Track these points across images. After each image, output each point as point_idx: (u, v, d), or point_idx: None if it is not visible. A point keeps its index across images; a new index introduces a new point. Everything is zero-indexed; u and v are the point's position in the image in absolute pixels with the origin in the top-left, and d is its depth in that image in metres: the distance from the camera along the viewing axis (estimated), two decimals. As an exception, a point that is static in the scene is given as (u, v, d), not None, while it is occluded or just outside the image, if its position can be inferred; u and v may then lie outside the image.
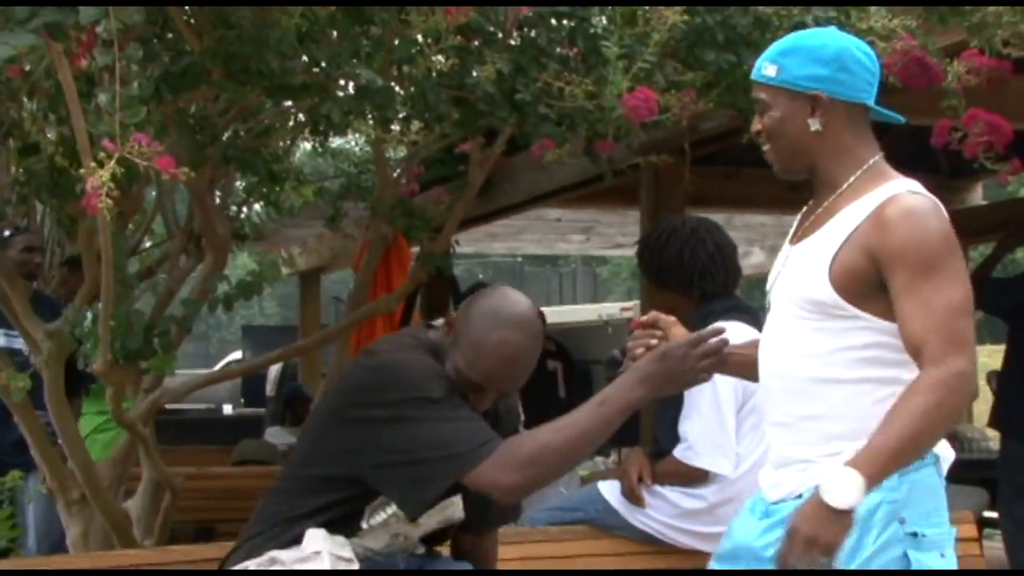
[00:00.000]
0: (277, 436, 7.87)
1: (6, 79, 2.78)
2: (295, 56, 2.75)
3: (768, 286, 2.55)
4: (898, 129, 5.58)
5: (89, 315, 3.08)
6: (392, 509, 2.64)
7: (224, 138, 3.46)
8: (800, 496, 2.33)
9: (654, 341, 2.58)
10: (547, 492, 5.32)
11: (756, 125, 2.46)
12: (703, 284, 3.53)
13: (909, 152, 7.62)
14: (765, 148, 2.45)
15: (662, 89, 3.14)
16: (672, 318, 2.65)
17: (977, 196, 8.52)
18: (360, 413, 2.53)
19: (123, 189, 2.13)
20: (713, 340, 2.49)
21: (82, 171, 2.12)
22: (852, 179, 2.39)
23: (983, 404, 7.69)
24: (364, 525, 2.63)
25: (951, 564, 2.34)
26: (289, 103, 3.38)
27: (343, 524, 2.60)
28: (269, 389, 11.22)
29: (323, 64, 2.83)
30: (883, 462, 2.19)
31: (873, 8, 3.30)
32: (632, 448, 3.90)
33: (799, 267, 2.41)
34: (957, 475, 7.66)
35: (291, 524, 2.58)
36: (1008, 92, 4.58)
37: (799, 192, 8.09)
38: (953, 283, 2.26)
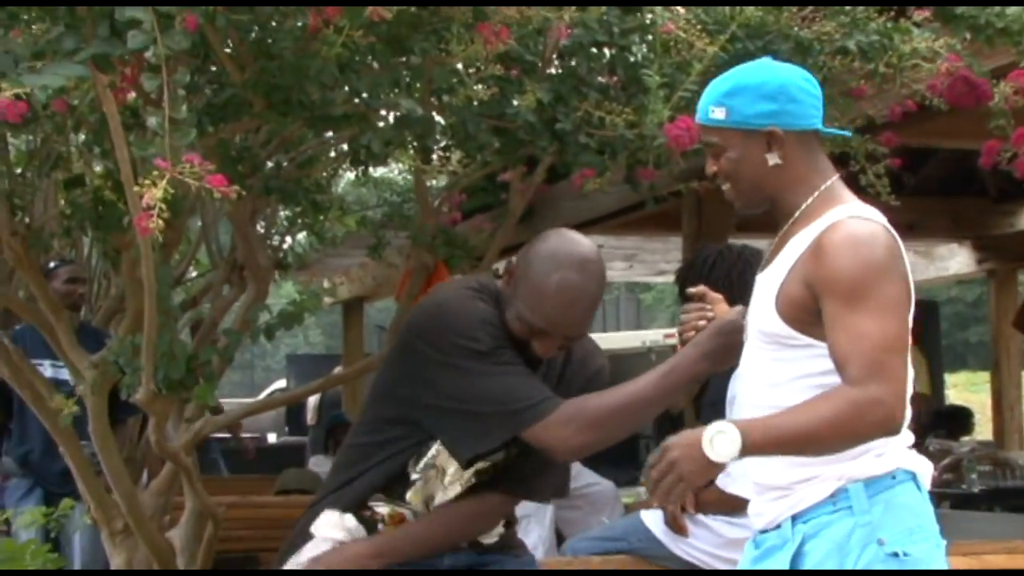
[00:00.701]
0: (320, 465, 7.87)
1: (52, 113, 2.81)
2: (336, 87, 2.76)
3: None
4: (944, 153, 5.63)
5: (132, 345, 3.09)
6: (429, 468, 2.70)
7: (266, 169, 3.47)
8: (779, 526, 2.36)
9: (703, 323, 2.62)
10: (590, 521, 5.29)
11: (711, 167, 2.46)
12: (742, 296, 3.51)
13: (955, 176, 7.60)
14: (724, 187, 2.46)
15: (704, 116, 3.13)
16: (718, 295, 2.68)
17: (1025, 220, 8.44)
18: (415, 349, 2.61)
19: (167, 218, 2.13)
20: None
21: (135, 190, 2.13)
22: (804, 206, 2.40)
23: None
24: (413, 475, 2.70)
25: None
26: (330, 133, 3.39)
27: (395, 480, 2.70)
28: (310, 418, 11.25)
29: (364, 94, 2.84)
30: (768, 442, 2.21)
31: (917, 31, 3.28)
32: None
33: (758, 298, 2.43)
34: (1010, 503, 7.66)
35: (349, 485, 2.73)
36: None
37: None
38: (883, 314, 2.22)
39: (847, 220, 2.31)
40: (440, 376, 2.56)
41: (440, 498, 2.74)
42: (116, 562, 3.71)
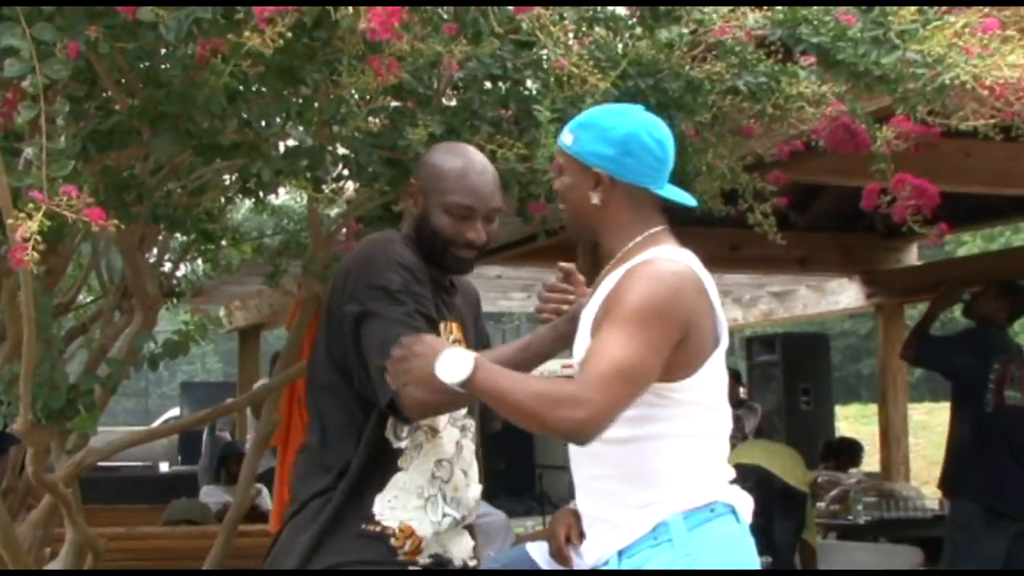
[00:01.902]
0: (211, 495, 7.75)
1: (-71, 135, 2.74)
2: (225, 116, 2.74)
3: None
4: (834, 190, 5.76)
5: (11, 374, 3.02)
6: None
7: (155, 197, 3.43)
8: (607, 562, 2.43)
9: (565, 307, 2.67)
10: (481, 553, 5.27)
11: (556, 185, 2.60)
12: None
13: (845, 213, 7.78)
14: (561, 207, 2.58)
15: (593, 152, 3.16)
16: (582, 277, 2.74)
17: (912, 256, 8.66)
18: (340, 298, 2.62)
19: (50, 245, 2.10)
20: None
21: (10, 223, 2.08)
22: (623, 250, 2.48)
23: (919, 461, 7.76)
24: (398, 444, 2.65)
25: None
26: (221, 162, 3.35)
27: (383, 459, 2.63)
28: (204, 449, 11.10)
29: (253, 124, 2.82)
30: (486, 390, 2.29)
31: (803, 73, 3.35)
32: (561, 507, 3.86)
33: (578, 336, 2.51)
34: (892, 533, 7.81)
35: (336, 488, 2.61)
36: (939, 156, 4.67)
37: (738, 250, 8.22)
38: (633, 340, 2.27)
39: (655, 259, 2.40)
40: (362, 322, 2.56)
41: (467, 445, 2.77)
42: (-9, 596, 3.61)
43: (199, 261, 5.86)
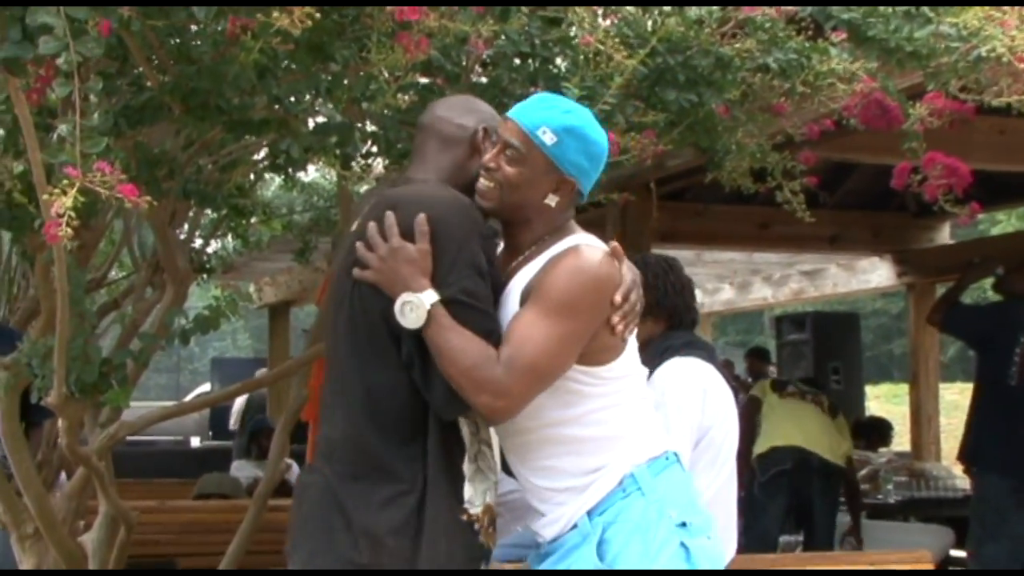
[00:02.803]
0: (242, 470, 7.81)
1: (-36, 113, 2.77)
2: (254, 92, 2.75)
3: None
4: (865, 168, 5.71)
5: (45, 347, 3.05)
6: None
7: (187, 172, 3.45)
8: (575, 526, 2.46)
9: None
10: (511, 528, 5.30)
11: (495, 162, 2.50)
12: (680, 314, 3.53)
13: (876, 191, 7.73)
14: (489, 185, 2.50)
15: (623, 130, 3.17)
16: None
17: (945, 234, 8.60)
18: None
19: (83, 220, 2.12)
20: None
21: (45, 198, 2.11)
22: (540, 242, 2.51)
23: (951, 441, 7.72)
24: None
25: (718, 545, 2.53)
26: (251, 138, 3.37)
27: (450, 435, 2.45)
28: (233, 423, 11.16)
29: (283, 100, 2.83)
30: (433, 341, 2.31)
31: (834, 50, 3.33)
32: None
33: (505, 303, 2.52)
34: (922, 513, 7.77)
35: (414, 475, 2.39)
36: (973, 132, 4.63)
37: (768, 228, 8.16)
38: (560, 344, 2.36)
39: (583, 246, 2.45)
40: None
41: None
42: (26, 565, 3.66)
43: (229, 237, 5.91)
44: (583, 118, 2.52)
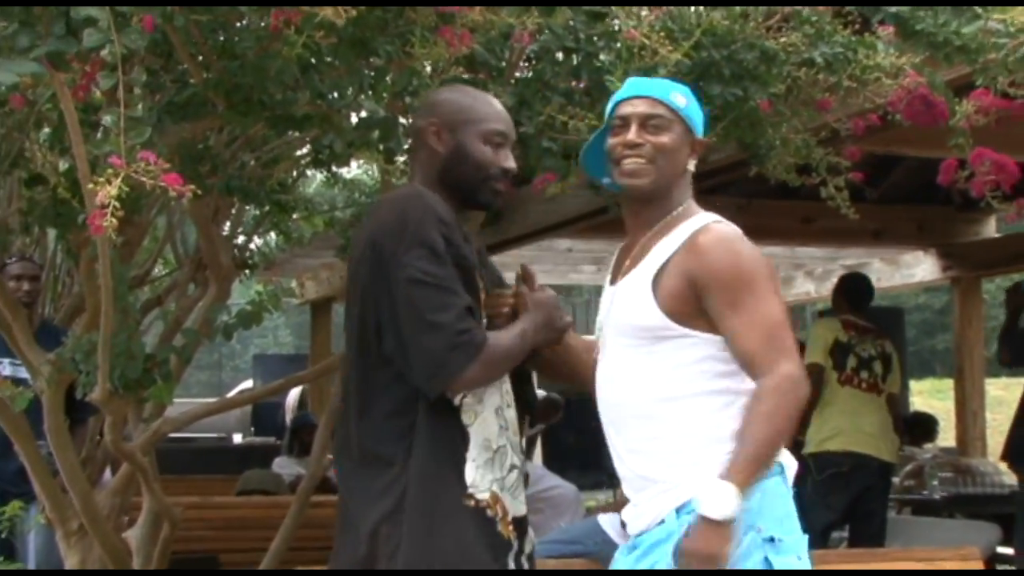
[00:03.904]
0: (284, 466, 7.83)
1: (10, 109, 2.78)
2: (298, 87, 2.75)
3: (597, 327, 2.71)
4: (910, 161, 5.65)
5: (89, 343, 3.06)
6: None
7: (229, 168, 3.46)
8: (663, 521, 2.45)
9: (506, 309, 2.67)
10: (552, 524, 5.29)
11: (641, 136, 2.58)
12: None
13: (921, 185, 7.65)
14: (640, 162, 2.57)
15: (666, 123, 3.13)
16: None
17: (990, 228, 8.50)
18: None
19: (127, 214, 2.12)
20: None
21: (89, 187, 2.11)
22: (668, 217, 2.59)
23: (997, 436, 7.63)
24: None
25: (807, 566, 2.48)
26: (294, 134, 3.37)
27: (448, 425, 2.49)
28: (288, 418, 11.19)
29: (326, 95, 2.83)
30: (748, 469, 2.35)
31: (880, 45, 3.29)
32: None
33: (624, 300, 2.58)
34: (970, 510, 7.72)
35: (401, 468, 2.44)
36: (1019, 129, 4.56)
37: (811, 223, 8.09)
38: (767, 299, 2.46)
39: (713, 224, 2.55)
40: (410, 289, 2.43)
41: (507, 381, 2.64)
42: (70, 563, 3.68)
43: (272, 234, 5.92)
44: (687, 89, 2.68)
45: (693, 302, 2.48)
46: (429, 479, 2.43)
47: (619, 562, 2.60)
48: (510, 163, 2.66)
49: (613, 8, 3.21)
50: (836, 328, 6.42)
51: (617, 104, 2.64)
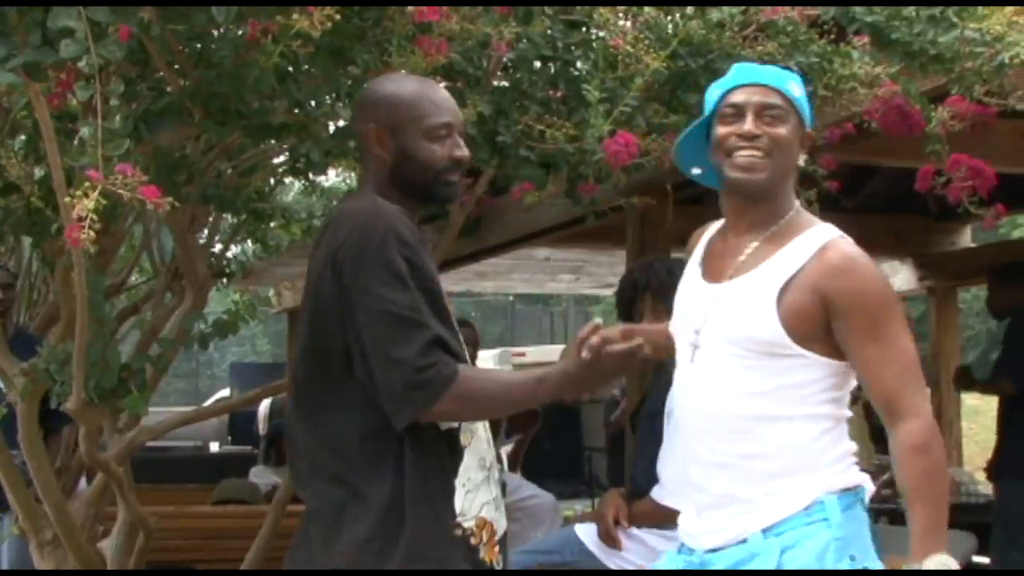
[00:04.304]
0: (261, 476, 7.80)
1: (-16, 117, 2.78)
2: (275, 96, 2.75)
3: (683, 324, 2.52)
4: (886, 171, 5.66)
5: (64, 353, 3.05)
6: None
7: (206, 176, 3.45)
8: (746, 540, 2.34)
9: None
10: (529, 534, 5.29)
11: (759, 127, 2.39)
12: None
13: (897, 194, 7.69)
14: (757, 155, 2.38)
15: (643, 132, 3.15)
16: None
17: (966, 238, 8.54)
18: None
19: (104, 225, 2.11)
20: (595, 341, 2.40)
21: (66, 201, 2.10)
22: (781, 222, 2.42)
23: (972, 446, 7.66)
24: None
25: None
26: (271, 142, 3.37)
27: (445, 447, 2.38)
28: (261, 428, 11.16)
29: (303, 104, 2.83)
30: (941, 533, 2.26)
31: (856, 54, 3.31)
32: (609, 490, 3.87)
33: (735, 306, 2.39)
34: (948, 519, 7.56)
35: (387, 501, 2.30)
36: (994, 136, 4.60)
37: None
38: (904, 331, 2.33)
39: (841, 240, 2.38)
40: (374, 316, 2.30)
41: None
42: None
43: (249, 242, 5.90)
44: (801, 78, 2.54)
45: (820, 323, 2.32)
46: (416, 506, 2.31)
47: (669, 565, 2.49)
48: (460, 152, 2.48)
49: (594, 15, 3.22)
50: None
51: (729, 91, 2.43)
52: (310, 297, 2.41)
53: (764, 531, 2.33)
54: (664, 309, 3.46)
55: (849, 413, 2.41)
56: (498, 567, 2.43)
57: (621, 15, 3.28)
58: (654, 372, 3.59)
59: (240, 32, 2.62)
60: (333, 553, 2.34)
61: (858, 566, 2.30)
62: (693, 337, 2.46)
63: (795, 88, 2.41)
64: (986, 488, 7.52)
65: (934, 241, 8.46)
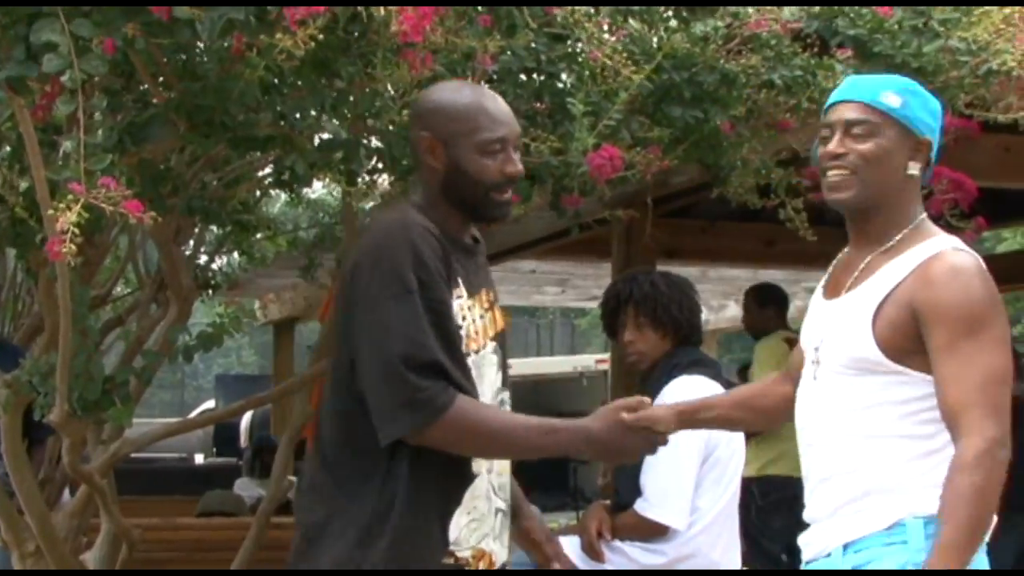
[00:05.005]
0: (245, 488, 7.78)
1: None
2: (259, 108, 2.75)
3: (806, 341, 2.51)
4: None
5: (47, 365, 3.04)
6: None
7: (190, 188, 3.45)
8: (829, 555, 2.33)
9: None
10: (513, 547, 5.28)
11: (844, 145, 2.36)
12: (687, 332, 3.51)
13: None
14: (843, 173, 2.36)
15: (628, 145, 3.16)
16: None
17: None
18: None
19: (87, 237, 2.11)
20: (642, 416, 2.40)
21: (49, 214, 2.10)
22: (899, 236, 2.37)
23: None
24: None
25: None
26: (256, 154, 3.37)
27: (453, 471, 2.33)
28: (243, 440, 11.15)
29: (287, 116, 2.83)
30: (960, 555, 2.15)
31: (839, 67, 3.33)
32: (593, 502, 3.86)
33: (841, 323, 2.37)
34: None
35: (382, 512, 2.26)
36: (978, 151, 4.63)
37: (773, 246, 8.12)
38: (994, 347, 2.23)
39: (951, 251, 2.30)
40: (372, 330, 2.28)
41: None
42: (27, 586, 3.65)
43: (235, 254, 5.90)
44: (909, 81, 2.45)
45: (914, 337, 2.26)
46: (403, 528, 2.26)
47: None
48: (512, 168, 2.42)
49: (576, 30, 3.22)
50: (785, 349, 6.49)
51: (826, 111, 2.43)
52: (336, 306, 2.41)
53: (844, 547, 2.31)
54: (647, 322, 3.48)
55: (944, 435, 2.28)
56: None
57: (605, 28, 3.29)
58: (640, 383, 3.59)
59: (226, 45, 2.63)
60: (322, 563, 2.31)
61: None
62: (813, 354, 2.45)
63: (890, 98, 2.35)
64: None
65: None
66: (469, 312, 2.40)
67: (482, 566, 2.37)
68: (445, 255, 2.35)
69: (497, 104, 2.46)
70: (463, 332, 2.37)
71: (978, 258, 2.31)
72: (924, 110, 2.38)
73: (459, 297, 2.38)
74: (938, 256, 2.29)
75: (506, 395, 2.54)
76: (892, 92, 2.36)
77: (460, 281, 2.39)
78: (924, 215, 2.41)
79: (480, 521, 2.38)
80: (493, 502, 2.44)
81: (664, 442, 2.42)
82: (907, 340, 2.28)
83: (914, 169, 2.36)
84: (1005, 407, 2.21)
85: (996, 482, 2.17)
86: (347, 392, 2.33)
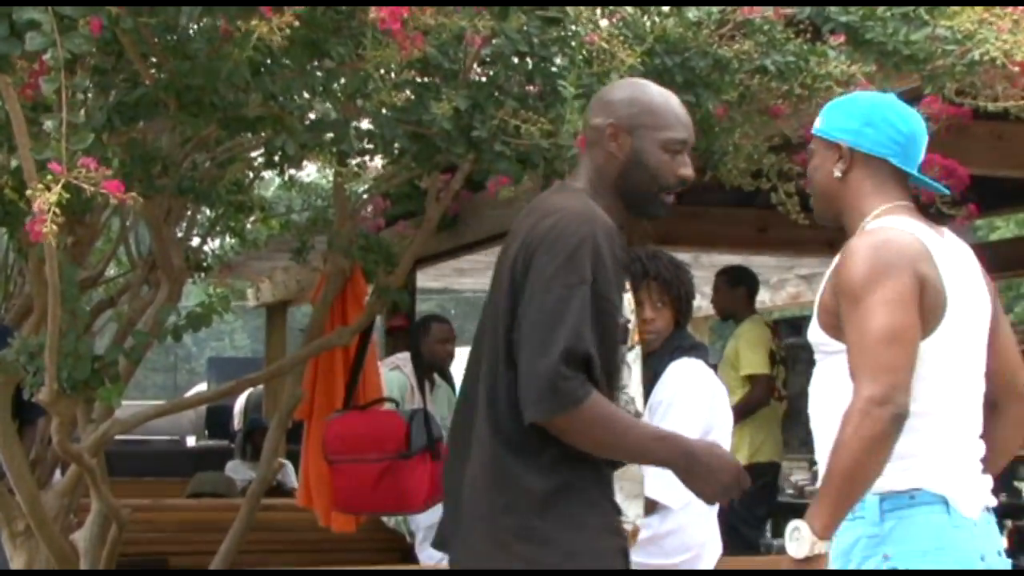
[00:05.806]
0: (236, 471, 7.79)
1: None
2: (249, 89, 2.74)
3: None
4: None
5: (36, 344, 3.04)
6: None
7: (183, 169, 3.44)
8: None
9: None
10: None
11: (809, 174, 2.67)
12: (685, 313, 3.51)
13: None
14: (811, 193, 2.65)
15: (619, 129, 3.15)
16: None
17: (941, 240, 8.55)
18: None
19: (75, 216, 2.11)
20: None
21: (29, 193, 2.10)
22: (860, 227, 2.52)
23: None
24: None
25: None
26: (247, 135, 3.36)
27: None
28: (236, 423, 11.13)
29: (277, 97, 2.82)
30: (830, 508, 2.29)
31: (832, 54, 3.33)
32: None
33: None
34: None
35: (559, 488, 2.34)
36: (970, 138, 4.63)
37: (766, 232, 8.09)
38: (877, 309, 2.33)
39: (858, 234, 2.48)
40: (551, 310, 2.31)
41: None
42: (16, 564, 3.65)
43: (227, 236, 5.89)
44: (848, 97, 2.67)
45: (838, 314, 2.43)
46: (578, 500, 2.34)
47: None
48: (685, 171, 2.51)
49: (571, 12, 3.22)
50: (769, 335, 6.51)
51: None
52: (501, 276, 2.44)
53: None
54: (669, 300, 3.44)
55: (925, 409, 2.36)
56: None
57: (599, 11, 3.29)
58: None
59: (215, 23, 2.62)
60: (497, 539, 2.34)
61: (889, 566, 2.32)
62: None
63: (817, 122, 2.60)
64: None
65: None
66: (631, 307, 2.52)
67: (632, 542, 2.52)
68: (622, 253, 2.44)
69: (682, 108, 2.56)
70: (630, 326, 2.50)
71: (887, 234, 2.42)
72: (840, 116, 2.57)
73: (627, 291, 2.50)
74: (857, 234, 2.48)
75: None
76: (820, 115, 2.61)
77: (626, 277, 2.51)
78: (888, 206, 2.51)
79: (635, 500, 2.56)
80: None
81: (746, 486, 2.45)
82: (836, 318, 2.44)
83: (838, 171, 2.53)
84: (891, 364, 2.29)
85: (862, 436, 2.25)
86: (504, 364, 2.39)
